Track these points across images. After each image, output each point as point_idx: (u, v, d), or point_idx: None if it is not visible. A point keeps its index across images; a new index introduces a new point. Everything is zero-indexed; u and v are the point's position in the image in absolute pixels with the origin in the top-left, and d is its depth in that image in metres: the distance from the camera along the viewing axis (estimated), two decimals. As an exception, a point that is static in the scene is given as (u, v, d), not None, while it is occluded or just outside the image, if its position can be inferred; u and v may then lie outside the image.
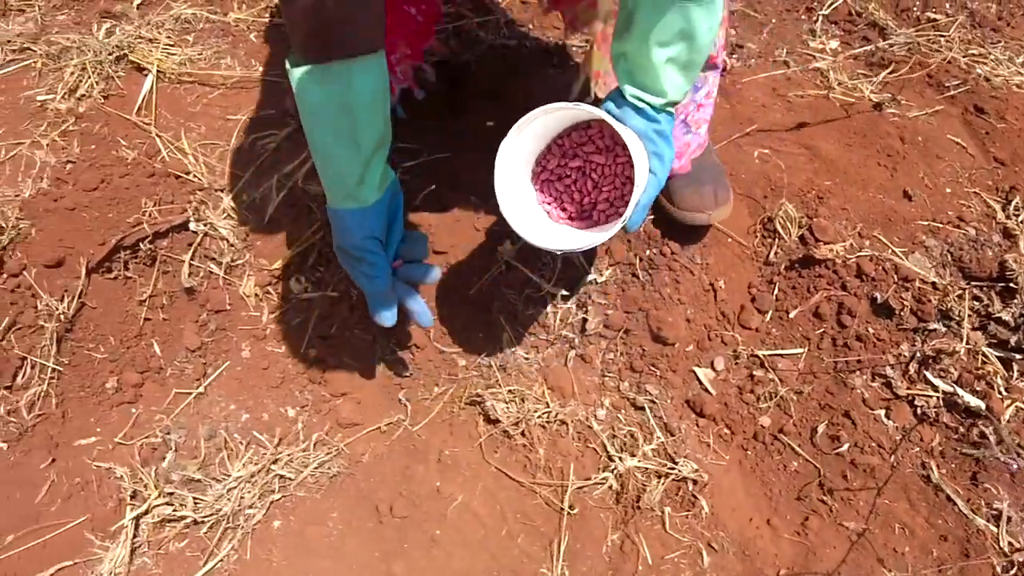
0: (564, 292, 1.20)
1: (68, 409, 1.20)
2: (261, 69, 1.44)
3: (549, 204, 0.99)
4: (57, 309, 1.20)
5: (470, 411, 1.16)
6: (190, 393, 1.20)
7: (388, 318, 0.99)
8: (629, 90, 0.87)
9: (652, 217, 1.25)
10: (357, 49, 0.82)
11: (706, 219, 1.21)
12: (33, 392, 1.18)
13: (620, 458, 1.06)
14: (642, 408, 1.16)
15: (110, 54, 1.42)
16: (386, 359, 1.22)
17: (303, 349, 1.20)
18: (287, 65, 0.85)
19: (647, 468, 1.06)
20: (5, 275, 1.22)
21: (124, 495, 1.07)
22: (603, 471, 1.06)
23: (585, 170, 0.97)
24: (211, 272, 1.23)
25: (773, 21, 1.59)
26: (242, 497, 1.03)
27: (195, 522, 1.03)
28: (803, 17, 1.60)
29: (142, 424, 1.19)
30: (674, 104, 0.89)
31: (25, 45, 1.53)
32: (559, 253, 0.90)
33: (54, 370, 1.20)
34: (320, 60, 0.82)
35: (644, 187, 0.88)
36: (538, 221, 0.96)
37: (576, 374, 1.18)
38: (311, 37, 0.81)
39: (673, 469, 1.06)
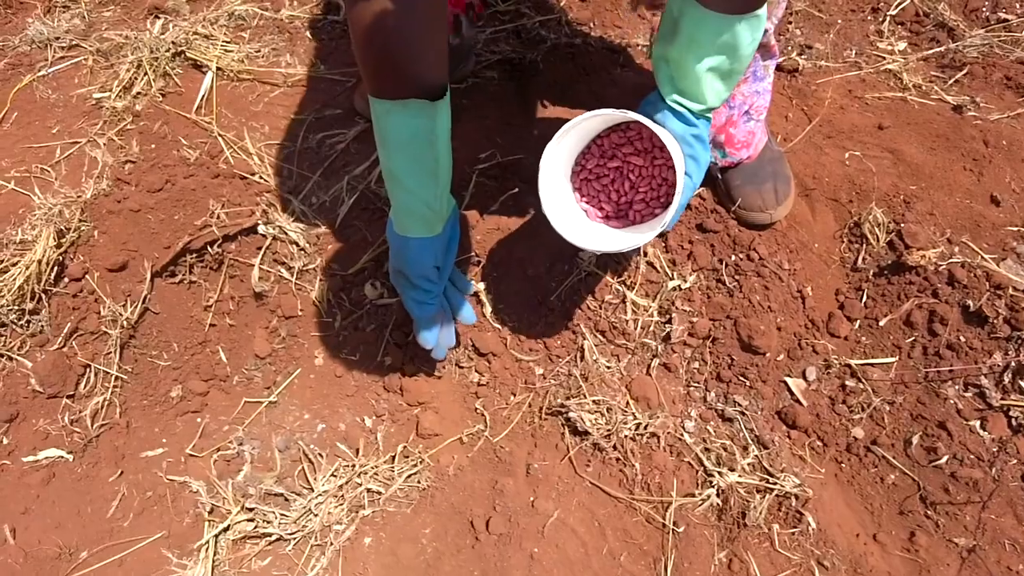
0: (646, 299, 1.16)
1: (132, 419, 1.16)
2: (322, 67, 1.39)
3: (587, 203, 1.02)
4: (121, 315, 1.15)
5: (553, 422, 1.12)
6: (261, 402, 1.15)
7: (430, 340, 1.03)
8: (669, 94, 0.88)
9: (732, 219, 1.22)
10: (439, 87, 0.84)
11: (768, 219, 1.19)
12: (97, 401, 1.13)
13: (719, 473, 1.02)
14: (731, 420, 1.12)
15: (167, 51, 1.37)
16: (461, 366, 1.18)
17: (379, 357, 1.16)
18: (372, 96, 0.85)
19: (749, 483, 1.02)
20: (67, 279, 1.18)
21: (201, 510, 1.03)
22: (703, 486, 1.02)
23: (623, 170, 0.99)
24: (281, 277, 1.19)
25: (839, 22, 1.56)
26: (329, 512, 0.99)
27: (280, 539, 0.98)
28: (869, 17, 1.57)
29: (210, 434, 1.14)
30: (711, 110, 0.90)
31: (74, 42, 1.49)
32: (598, 254, 0.92)
33: (117, 378, 1.15)
34: (406, 98, 0.83)
35: (680, 195, 0.88)
36: (577, 221, 0.98)
37: (660, 383, 1.14)
38: (397, 74, 0.82)
39: (775, 484, 1.02)
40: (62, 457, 1.11)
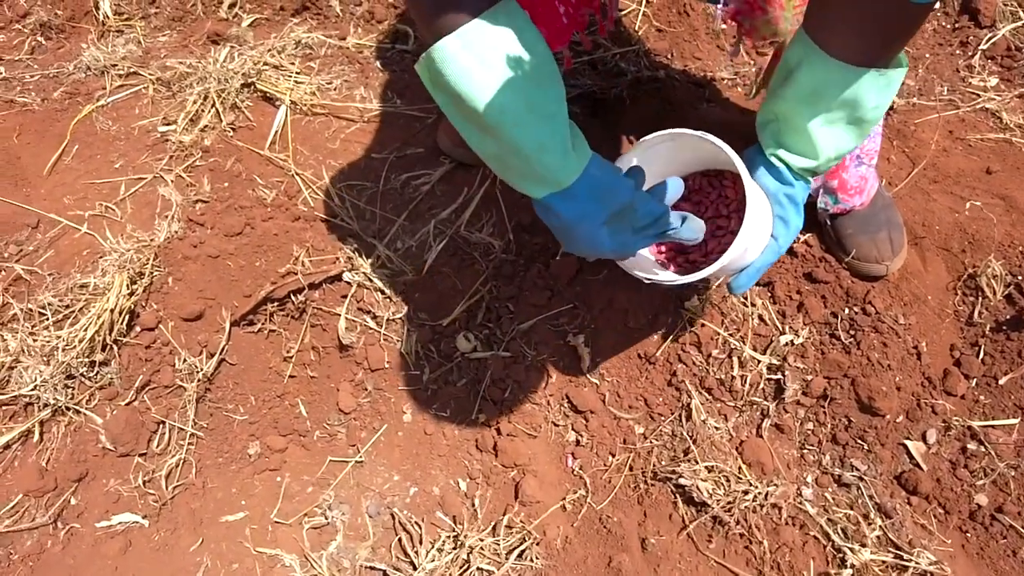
0: (756, 354, 1.10)
1: (207, 478, 1.08)
2: (399, 102, 1.33)
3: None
4: (198, 368, 1.08)
5: (662, 488, 1.05)
6: (347, 461, 1.08)
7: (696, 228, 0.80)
8: (770, 148, 0.82)
9: (844, 270, 1.16)
10: None
11: (883, 271, 1.13)
12: (172, 460, 1.06)
13: (850, 549, 0.96)
14: (847, 485, 1.05)
15: (236, 82, 1.31)
16: (557, 425, 1.11)
17: (472, 414, 1.09)
18: (421, 63, 0.67)
19: (883, 561, 0.95)
20: (139, 328, 1.11)
21: (296, 587, 0.95)
22: (835, 564, 0.95)
23: (700, 214, 0.92)
24: (367, 327, 1.12)
25: (927, 56, 1.50)
26: (437, 593, 0.92)
27: (385, 622, 0.91)
28: (958, 52, 1.51)
29: (293, 496, 1.07)
30: (816, 172, 0.83)
31: (132, 69, 1.42)
32: (645, 281, 0.85)
33: (192, 435, 1.08)
34: (460, 19, 0.62)
35: (744, 251, 0.80)
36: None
37: (772, 446, 1.08)
38: None
39: (909, 562, 0.95)
40: (137, 522, 1.03)
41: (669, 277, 0.85)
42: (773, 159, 0.82)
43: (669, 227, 0.77)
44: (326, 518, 1.02)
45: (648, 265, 0.90)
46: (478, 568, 0.93)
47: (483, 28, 0.63)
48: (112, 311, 1.08)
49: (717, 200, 0.92)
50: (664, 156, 0.88)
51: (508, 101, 0.64)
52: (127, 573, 0.98)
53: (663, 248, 0.93)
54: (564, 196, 0.70)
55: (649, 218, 0.75)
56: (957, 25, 1.52)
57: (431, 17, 0.64)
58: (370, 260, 1.14)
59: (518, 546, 0.96)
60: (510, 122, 0.65)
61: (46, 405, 1.07)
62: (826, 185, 1.12)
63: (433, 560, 0.94)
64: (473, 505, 1.03)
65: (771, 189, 0.83)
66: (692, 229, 0.79)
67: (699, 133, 0.81)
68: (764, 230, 0.82)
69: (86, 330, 1.07)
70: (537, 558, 0.96)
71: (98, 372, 1.09)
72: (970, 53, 1.50)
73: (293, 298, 1.11)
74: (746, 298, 1.14)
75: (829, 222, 1.16)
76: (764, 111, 0.83)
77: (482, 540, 0.96)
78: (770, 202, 0.84)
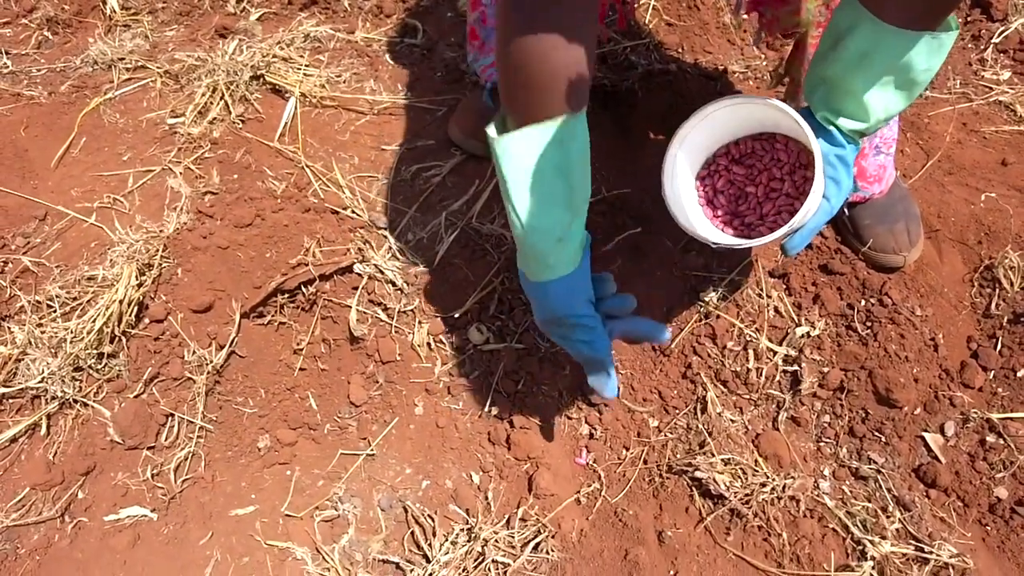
0: (772, 345, 1.09)
1: (216, 472, 1.07)
2: (409, 94, 1.32)
3: (706, 203, 0.95)
4: (208, 360, 1.07)
5: (678, 482, 1.03)
6: (358, 455, 1.07)
7: (612, 387, 0.89)
8: (820, 111, 0.82)
9: (860, 261, 1.14)
10: (577, 104, 0.73)
11: (901, 261, 1.12)
12: (181, 453, 1.05)
13: (870, 542, 0.94)
14: (865, 478, 1.04)
15: (245, 74, 1.30)
16: (570, 418, 1.10)
17: (485, 407, 1.08)
18: (491, 132, 0.75)
19: (904, 553, 0.94)
20: (148, 320, 1.10)
21: (310, 581, 0.94)
22: (854, 556, 0.94)
23: (753, 177, 0.92)
24: (378, 319, 1.11)
25: (939, 49, 1.49)
26: (453, 586, 0.90)
27: (401, 616, 0.90)
28: (970, 45, 1.51)
29: (303, 490, 1.06)
30: (865, 133, 0.83)
31: (140, 63, 1.41)
32: (712, 244, 0.86)
33: (202, 428, 1.07)
34: (539, 118, 0.72)
35: (814, 209, 0.81)
36: (692, 208, 0.93)
37: (789, 439, 1.06)
38: (535, 93, 0.71)
39: (930, 554, 0.94)
40: (145, 516, 1.02)
41: (735, 241, 0.86)
42: (823, 122, 0.82)
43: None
44: (337, 511, 1.00)
45: (709, 228, 0.91)
46: (493, 561, 0.92)
47: (547, 136, 0.72)
48: (121, 302, 1.07)
49: (770, 163, 0.90)
50: (719, 122, 0.88)
51: (534, 202, 0.76)
52: (136, 567, 0.96)
53: (719, 212, 0.93)
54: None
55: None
56: (969, 19, 1.52)
57: (525, 106, 0.72)
58: (381, 252, 1.13)
59: (533, 539, 0.95)
60: (528, 220, 0.77)
61: (53, 398, 1.06)
62: None
63: (447, 553, 0.92)
64: (487, 498, 1.02)
65: (822, 151, 0.83)
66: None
67: (763, 99, 0.82)
68: (820, 188, 0.83)
69: (94, 321, 1.06)
70: (553, 551, 0.94)
71: (106, 364, 1.08)
72: (982, 47, 1.50)
73: (304, 290, 1.10)
74: (761, 290, 1.12)
75: (847, 211, 1.15)
76: (811, 76, 0.82)
77: (496, 533, 0.95)
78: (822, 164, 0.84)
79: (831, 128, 0.83)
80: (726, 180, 0.93)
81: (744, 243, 0.84)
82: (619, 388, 0.89)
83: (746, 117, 0.89)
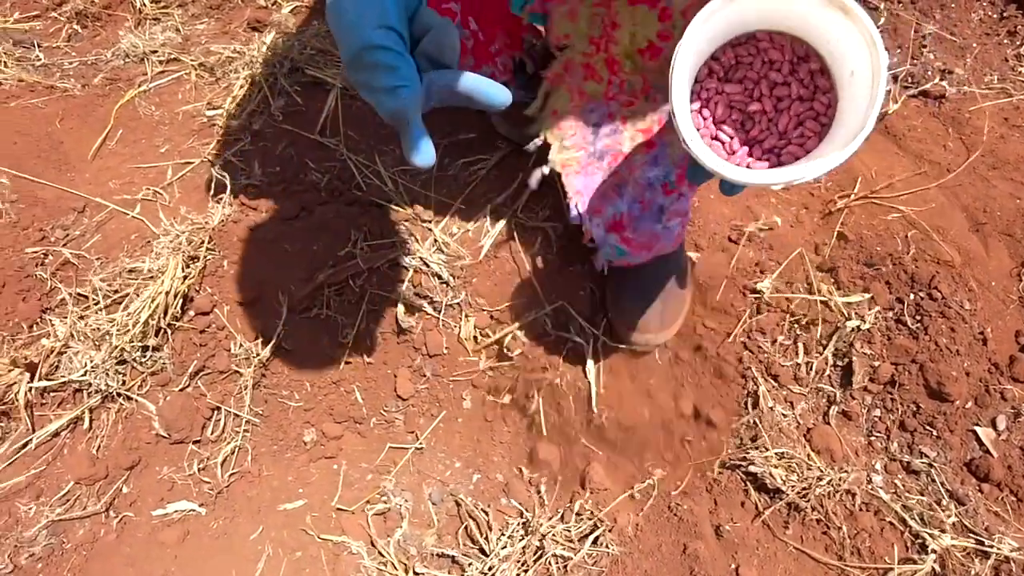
0: (823, 339, 1.08)
1: (263, 466, 1.06)
2: (449, 86, 1.31)
3: (706, 137, 0.70)
4: (255, 353, 1.06)
5: (731, 476, 1.03)
6: (406, 448, 1.06)
7: (425, 151, 0.59)
8: None
9: (905, 255, 1.14)
10: None
11: (643, 342, 1.06)
12: (228, 447, 1.04)
13: (930, 535, 0.94)
14: (916, 472, 1.03)
15: (285, 67, 1.29)
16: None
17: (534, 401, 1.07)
18: None
19: (965, 547, 0.93)
20: (193, 312, 1.09)
21: None
22: (917, 550, 0.93)
23: (751, 91, 0.70)
24: (425, 312, 1.10)
25: (974, 46, 1.49)
26: (512, 580, 0.89)
27: (461, 611, 0.89)
28: (1005, 41, 1.50)
29: (352, 484, 1.05)
30: None
31: (172, 55, 1.40)
32: (774, 187, 0.63)
33: (248, 421, 1.06)
34: None
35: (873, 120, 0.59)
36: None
37: (840, 433, 1.06)
38: None
39: (992, 547, 0.93)
40: (193, 511, 1.01)
41: (795, 173, 0.63)
42: None
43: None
44: (389, 505, 0.99)
45: (744, 172, 0.65)
46: (554, 555, 0.91)
47: None
48: (167, 294, 1.05)
49: (764, 69, 0.70)
50: (702, 36, 0.64)
51: None
52: (188, 561, 0.95)
53: (735, 149, 0.70)
54: None
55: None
56: (1004, 14, 1.51)
57: None
58: (426, 245, 1.12)
59: (590, 533, 0.94)
60: None
61: (97, 391, 1.04)
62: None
63: (505, 547, 0.91)
64: (539, 492, 1.01)
65: None
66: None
67: None
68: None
69: (140, 313, 1.05)
70: (612, 545, 0.93)
71: (150, 357, 1.07)
72: (1018, 42, 1.49)
73: (352, 283, 1.09)
74: (810, 284, 1.12)
75: (605, 271, 1.03)
76: None
77: (554, 527, 0.94)
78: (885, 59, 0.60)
79: None
80: (724, 106, 0.70)
81: (803, 176, 0.62)
82: (435, 155, 0.60)
83: (717, 22, 0.65)
